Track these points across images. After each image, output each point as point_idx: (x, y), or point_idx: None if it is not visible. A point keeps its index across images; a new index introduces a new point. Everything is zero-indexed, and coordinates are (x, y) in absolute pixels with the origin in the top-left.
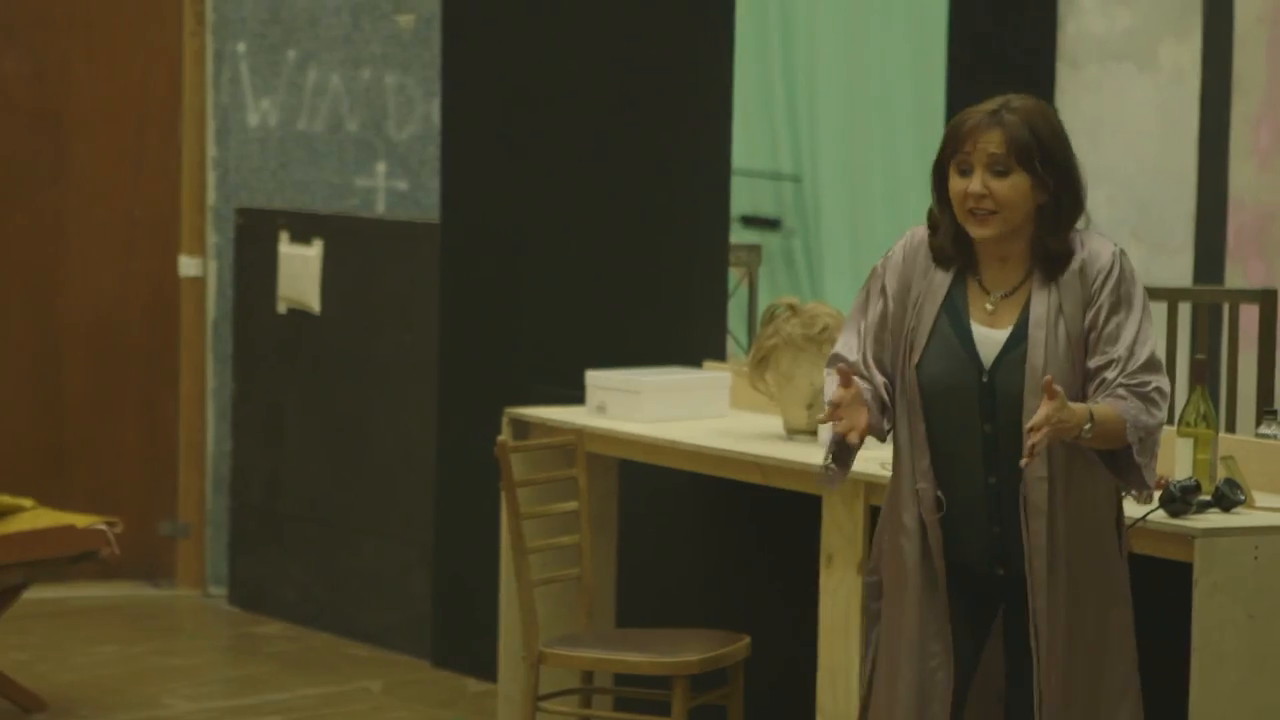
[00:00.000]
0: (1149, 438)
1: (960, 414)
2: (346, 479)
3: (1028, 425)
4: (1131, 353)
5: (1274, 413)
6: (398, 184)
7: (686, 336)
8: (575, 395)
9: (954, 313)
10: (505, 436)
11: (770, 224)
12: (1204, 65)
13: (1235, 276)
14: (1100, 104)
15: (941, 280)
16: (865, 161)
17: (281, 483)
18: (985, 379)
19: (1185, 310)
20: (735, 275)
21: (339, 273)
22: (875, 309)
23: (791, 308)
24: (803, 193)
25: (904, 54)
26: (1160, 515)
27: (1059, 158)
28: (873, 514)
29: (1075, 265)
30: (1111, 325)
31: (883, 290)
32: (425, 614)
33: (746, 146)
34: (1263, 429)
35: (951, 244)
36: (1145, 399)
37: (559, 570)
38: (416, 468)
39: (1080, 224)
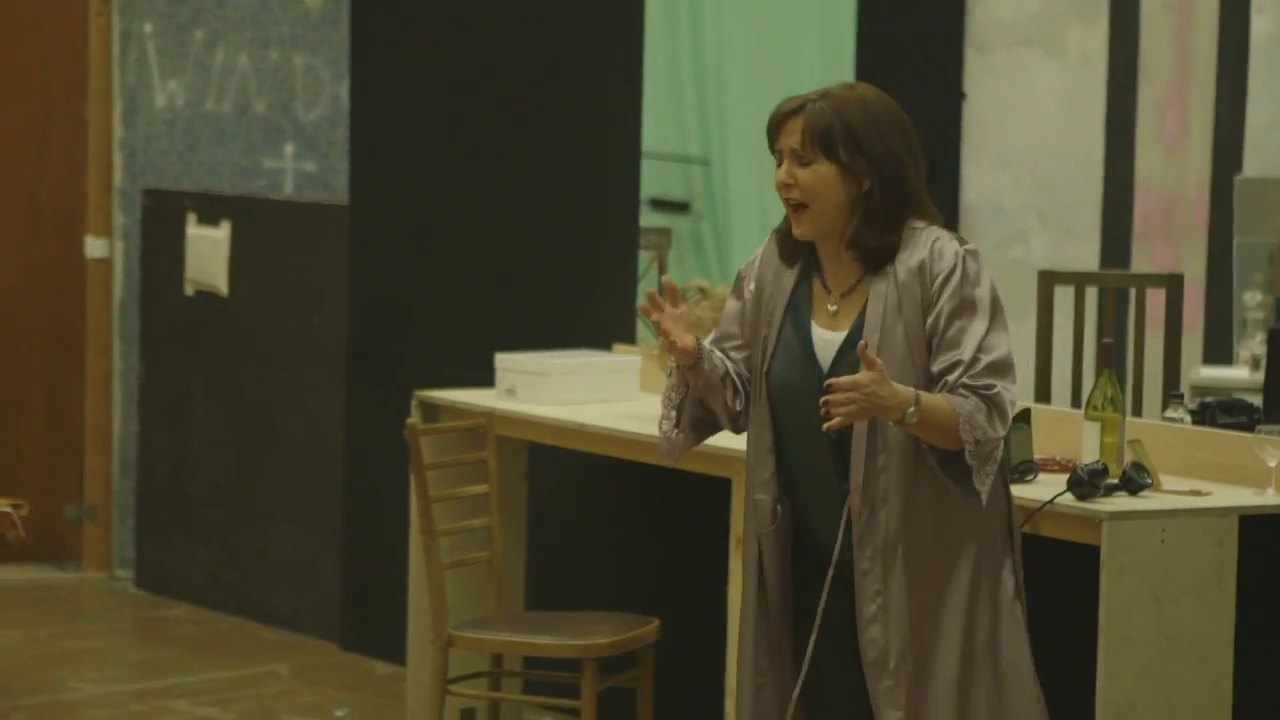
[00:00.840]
0: (986, 444)
1: (807, 419)
2: (254, 462)
3: (826, 382)
4: (976, 356)
5: (1180, 397)
6: (306, 166)
7: (596, 319)
8: (485, 378)
9: (797, 315)
10: (414, 419)
11: (679, 207)
12: (1110, 50)
13: (1141, 261)
14: (1007, 89)
15: (789, 282)
16: None
17: (189, 465)
18: (823, 383)
19: (1092, 295)
20: (645, 258)
21: (247, 255)
22: (733, 307)
23: (702, 291)
24: (711, 176)
25: (812, 38)
26: (1068, 499)
27: (873, 146)
28: None
29: (914, 264)
30: (954, 329)
31: (742, 293)
32: (334, 597)
33: (656, 130)
34: (1169, 413)
35: (787, 239)
36: (989, 401)
37: (468, 553)
38: (325, 450)
39: (921, 224)
